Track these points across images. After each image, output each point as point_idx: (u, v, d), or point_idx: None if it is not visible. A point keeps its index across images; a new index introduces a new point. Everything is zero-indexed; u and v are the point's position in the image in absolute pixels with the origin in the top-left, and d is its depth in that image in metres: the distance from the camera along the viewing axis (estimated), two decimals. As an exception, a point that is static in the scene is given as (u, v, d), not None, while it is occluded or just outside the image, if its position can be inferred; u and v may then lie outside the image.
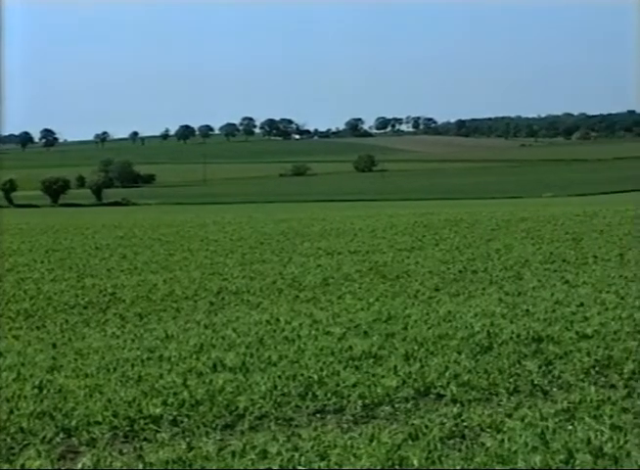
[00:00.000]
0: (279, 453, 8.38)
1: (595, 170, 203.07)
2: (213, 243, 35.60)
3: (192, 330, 14.99)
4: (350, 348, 12.79)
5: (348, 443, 8.66)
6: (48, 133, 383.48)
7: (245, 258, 28.33)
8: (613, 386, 10.79)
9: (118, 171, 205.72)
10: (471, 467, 8.03)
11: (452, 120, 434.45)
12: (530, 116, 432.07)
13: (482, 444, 8.60)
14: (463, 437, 8.89)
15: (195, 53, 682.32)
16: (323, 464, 8.16)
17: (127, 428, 9.45)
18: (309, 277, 22.39)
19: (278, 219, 53.48)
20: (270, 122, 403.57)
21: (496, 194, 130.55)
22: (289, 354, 12.49)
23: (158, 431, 9.32)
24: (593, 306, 16.20)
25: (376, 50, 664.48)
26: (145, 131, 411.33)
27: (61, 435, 9.25)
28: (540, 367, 11.54)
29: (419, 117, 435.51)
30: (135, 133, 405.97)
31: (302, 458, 8.25)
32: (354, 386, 10.69)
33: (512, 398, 10.33)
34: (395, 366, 11.55)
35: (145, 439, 9.16)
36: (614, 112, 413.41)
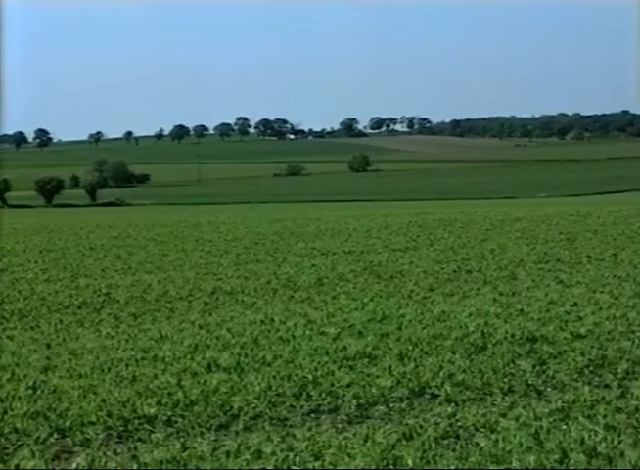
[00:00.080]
0: (273, 453, 8.38)
1: (589, 170, 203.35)
2: (208, 243, 35.58)
3: (186, 330, 14.98)
4: (345, 348, 12.79)
5: (343, 443, 8.66)
6: (42, 133, 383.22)
7: (239, 259, 28.32)
8: (607, 386, 10.80)
9: (113, 171, 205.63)
10: (465, 467, 8.04)
11: (447, 121, 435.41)
12: (525, 116, 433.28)
13: (477, 443, 8.60)
14: (457, 436, 8.89)
15: (191, 53, 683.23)
16: (317, 464, 8.16)
17: (121, 428, 9.45)
18: (304, 277, 22.39)
19: (272, 219, 53.47)
20: (265, 122, 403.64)
21: (490, 194, 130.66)
22: (283, 355, 12.49)
23: (152, 431, 9.31)
24: (587, 306, 16.22)
25: (370, 50, 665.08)
26: (139, 131, 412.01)
27: (55, 435, 9.24)
28: (534, 367, 11.55)
29: (413, 118, 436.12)
30: (129, 133, 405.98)
31: (297, 458, 8.25)
32: (349, 386, 10.69)
33: (506, 397, 10.34)
34: (390, 366, 11.55)
35: (139, 439, 9.15)
36: (608, 112, 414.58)
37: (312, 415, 9.85)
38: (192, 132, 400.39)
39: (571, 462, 8.04)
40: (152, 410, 9.83)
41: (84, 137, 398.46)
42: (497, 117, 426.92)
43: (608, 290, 18.44)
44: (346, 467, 8.10)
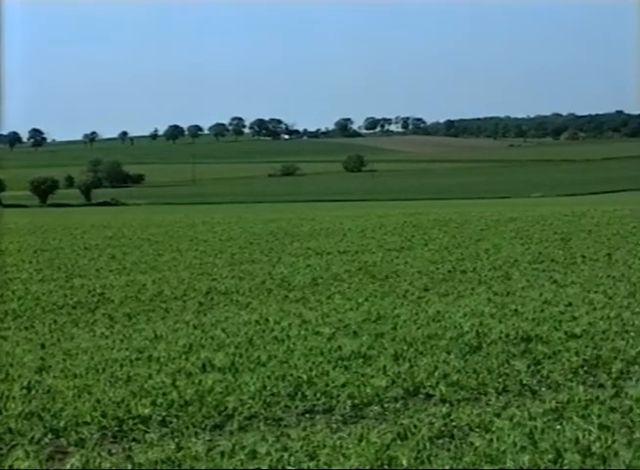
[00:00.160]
0: (268, 454, 8.38)
1: (583, 171, 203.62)
2: (202, 243, 35.57)
3: (181, 330, 14.97)
4: (340, 348, 12.79)
5: (337, 442, 8.67)
6: (36, 133, 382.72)
7: (234, 259, 28.31)
8: (601, 385, 10.81)
9: (107, 171, 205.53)
10: (460, 467, 8.04)
11: (441, 121, 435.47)
12: (519, 116, 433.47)
13: (471, 443, 8.61)
14: (452, 436, 8.90)
15: (186, 54, 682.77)
16: (312, 464, 8.16)
17: (116, 428, 9.44)
18: (298, 277, 22.39)
19: (267, 219, 53.47)
20: (259, 122, 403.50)
21: (485, 194, 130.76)
22: (278, 355, 12.49)
23: (146, 431, 9.31)
24: (581, 306, 16.24)
25: (365, 51, 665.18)
26: (134, 131, 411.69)
27: (49, 435, 9.23)
28: (529, 367, 11.56)
29: (408, 118, 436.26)
30: (124, 133, 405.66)
31: (292, 458, 8.25)
32: (343, 386, 10.69)
33: (501, 397, 10.35)
34: (384, 366, 11.56)
35: (134, 439, 9.15)
36: (602, 112, 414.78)
37: (307, 415, 9.85)
38: (186, 132, 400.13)
39: (566, 462, 8.04)
40: (146, 410, 9.82)
41: (79, 137, 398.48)
42: (491, 118, 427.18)
43: (602, 290, 18.46)
44: (341, 467, 8.10)
